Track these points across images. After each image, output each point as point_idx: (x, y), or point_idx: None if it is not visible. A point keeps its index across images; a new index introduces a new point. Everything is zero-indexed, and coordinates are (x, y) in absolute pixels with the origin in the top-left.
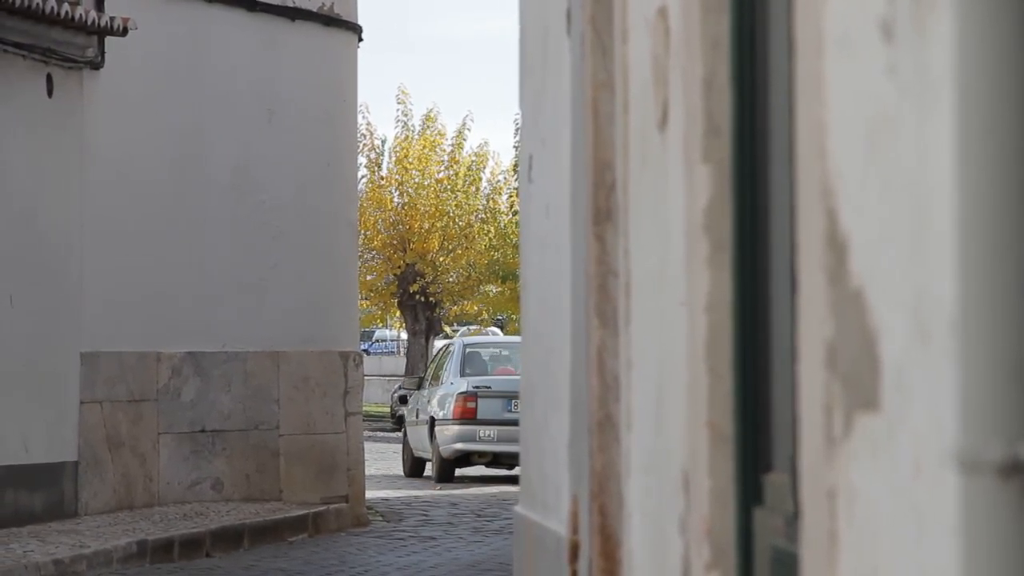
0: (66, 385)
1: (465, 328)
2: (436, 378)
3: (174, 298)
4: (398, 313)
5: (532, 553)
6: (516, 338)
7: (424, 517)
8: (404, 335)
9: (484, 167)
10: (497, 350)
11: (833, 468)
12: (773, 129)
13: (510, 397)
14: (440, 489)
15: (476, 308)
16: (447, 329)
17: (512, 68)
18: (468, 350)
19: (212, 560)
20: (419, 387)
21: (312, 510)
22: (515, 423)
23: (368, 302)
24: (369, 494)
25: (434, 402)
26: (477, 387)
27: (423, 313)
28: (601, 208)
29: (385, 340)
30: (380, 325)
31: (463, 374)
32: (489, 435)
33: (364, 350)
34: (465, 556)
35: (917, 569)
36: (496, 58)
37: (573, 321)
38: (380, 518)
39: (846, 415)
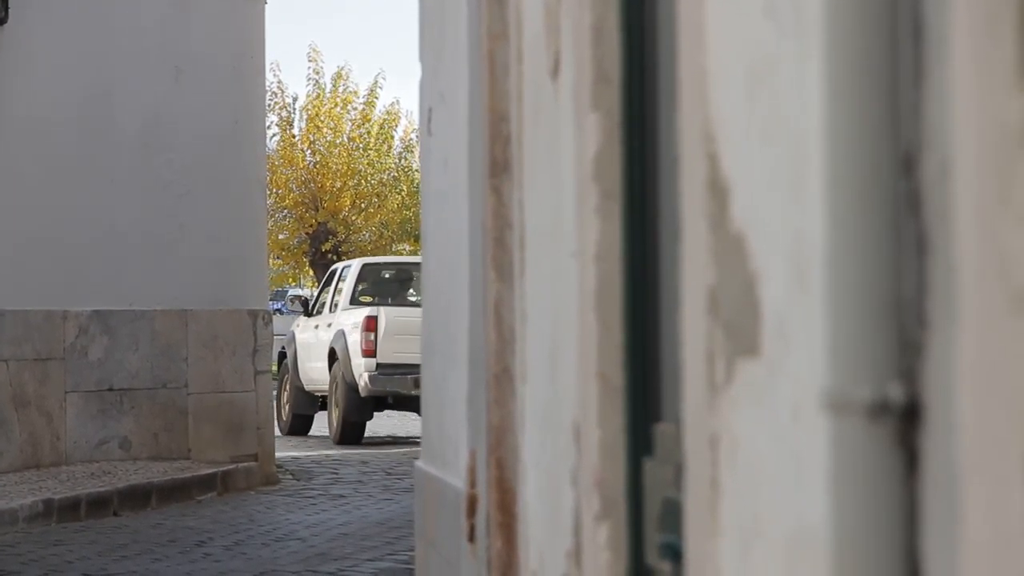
0: None
1: None
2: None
3: (81, 256)
4: (311, 272)
5: (432, 508)
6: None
7: (334, 476)
8: None
9: (396, 126)
10: None
11: (715, 415)
12: (662, 76)
13: None
14: None
15: None
16: None
17: None
18: None
19: (119, 519)
20: None
21: (221, 469)
22: None
23: (280, 261)
24: (279, 453)
25: None
26: None
27: None
28: (497, 160)
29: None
30: (292, 284)
31: None
32: None
33: (277, 310)
34: (374, 514)
35: (795, 514)
36: (408, 17)
37: (471, 275)
38: (290, 476)
39: (728, 362)
